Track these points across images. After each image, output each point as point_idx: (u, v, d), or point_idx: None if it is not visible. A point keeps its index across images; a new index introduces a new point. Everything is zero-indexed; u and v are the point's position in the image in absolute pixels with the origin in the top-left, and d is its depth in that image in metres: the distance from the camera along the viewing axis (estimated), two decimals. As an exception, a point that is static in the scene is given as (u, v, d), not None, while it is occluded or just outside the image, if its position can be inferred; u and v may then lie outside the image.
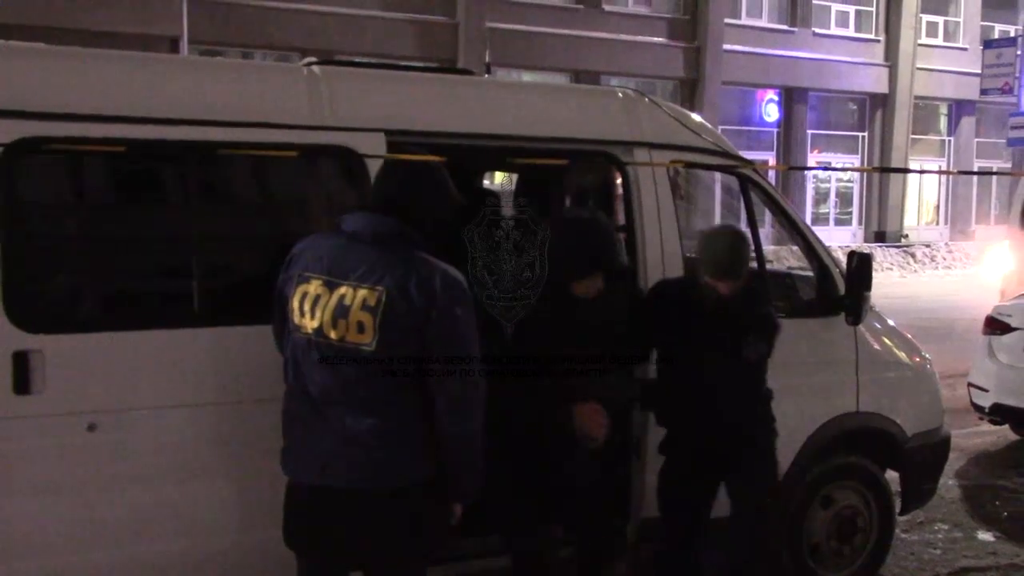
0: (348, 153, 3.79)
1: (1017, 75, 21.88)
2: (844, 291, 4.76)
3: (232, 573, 3.64)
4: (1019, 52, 22.00)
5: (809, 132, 27.62)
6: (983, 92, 23.89)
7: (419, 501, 3.08)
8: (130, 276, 3.69)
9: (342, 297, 3.01)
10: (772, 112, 26.86)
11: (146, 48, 15.18)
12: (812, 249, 4.86)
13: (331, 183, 4.04)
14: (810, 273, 4.99)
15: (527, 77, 21.25)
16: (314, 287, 3.06)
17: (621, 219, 4.57)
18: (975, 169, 29.55)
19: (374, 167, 3.72)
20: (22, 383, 3.32)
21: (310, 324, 3.04)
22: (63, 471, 3.40)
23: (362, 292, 2.99)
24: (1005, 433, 8.37)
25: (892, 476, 5.20)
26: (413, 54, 20.63)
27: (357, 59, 4.39)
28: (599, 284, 3.92)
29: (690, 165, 4.65)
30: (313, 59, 4.16)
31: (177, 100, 3.61)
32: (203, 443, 3.58)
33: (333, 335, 3.01)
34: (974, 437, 8.23)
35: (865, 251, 4.78)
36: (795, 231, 4.89)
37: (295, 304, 3.09)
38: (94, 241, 3.61)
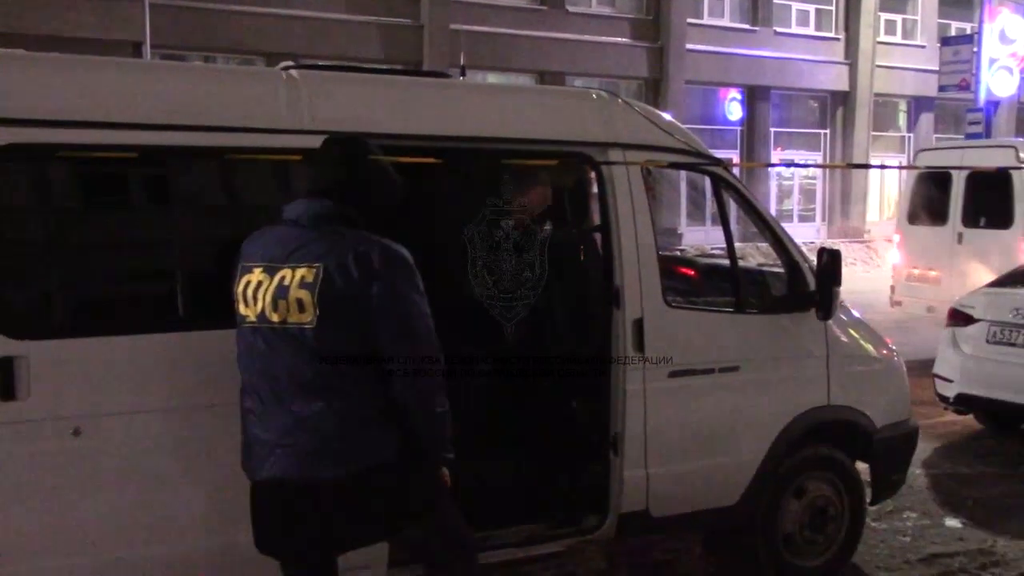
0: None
1: (974, 71, 22.16)
2: (814, 287, 4.87)
3: (219, 575, 3.66)
4: (975, 49, 22.28)
5: (772, 130, 27.85)
6: (941, 89, 24.15)
7: (385, 482, 3.06)
8: (115, 281, 3.70)
9: (282, 279, 3.01)
10: (735, 111, 27.06)
11: (108, 53, 15.05)
12: (783, 246, 4.95)
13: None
14: (780, 269, 5.09)
15: (492, 79, 21.26)
16: (256, 275, 3.07)
17: (596, 219, 4.64)
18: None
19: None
20: (7, 389, 3.33)
21: (253, 311, 3.06)
22: (49, 476, 3.41)
23: (300, 271, 2.99)
24: (970, 422, 8.54)
25: (862, 467, 5.31)
26: (377, 57, 20.58)
27: (328, 63, 4.43)
28: None
29: (663, 165, 4.73)
30: (291, 63, 4.19)
31: (156, 105, 3.63)
32: (189, 446, 3.60)
33: (275, 318, 3.01)
34: (940, 427, 8.39)
35: (835, 248, 4.88)
36: (766, 228, 4.98)
37: (239, 295, 3.10)
38: (78, 246, 3.62)
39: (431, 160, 3.96)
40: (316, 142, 3.78)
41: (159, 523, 3.57)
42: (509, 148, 4.31)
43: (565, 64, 23.24)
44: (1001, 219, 11.49)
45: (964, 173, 11.70)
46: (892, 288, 12.92)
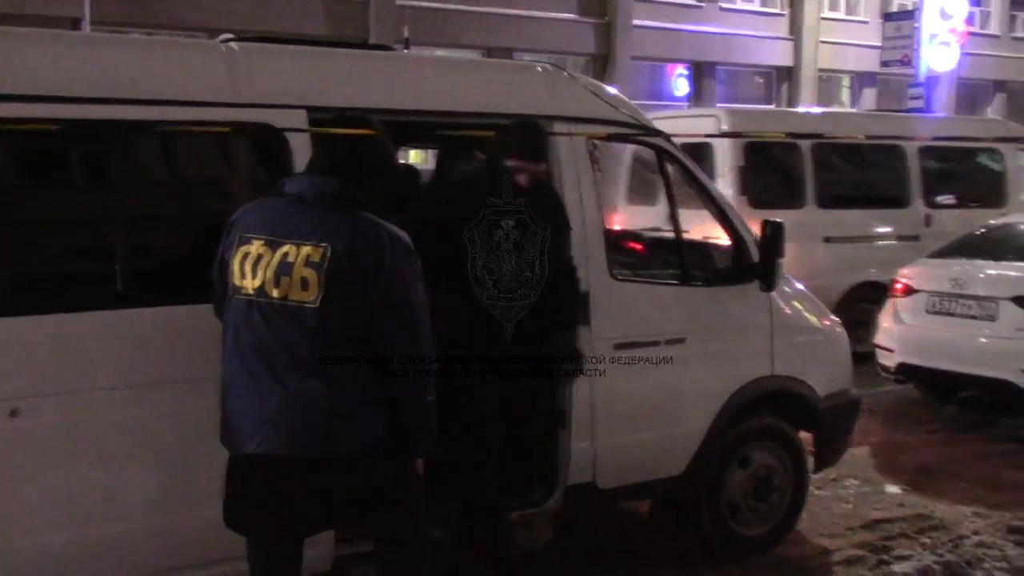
0: (269, 130, 3.78)
1: (915, 47, 22.52)
2: (758, 259, 4.92)
3: (166, 555, 3.60)
4: (917, 25, 22.64)
5: (718, 105, 28.02)
6: (884, 64, 24.54)
7: (369, 467, 3.05)
8: (50, 258, 3.61)
9: (285, 255, 2.97)
10: (682, 86, 27.18)
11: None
12: (727, 218, 4.99)
13: (252, 160, 4.03)
14: (724, 242, 5.13)
15: (439, 54, 21.12)
16: (256, 247, 3.01)
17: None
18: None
19: (296, 143, 3.73)
20: (-61, 370, 3.24)
21: (251, 284, 3.00)
22: (-13, 458, 3.33)
23: (306, 249, 2.96)
24: (910, 391, 8.71)
25: (805, 436, 5.39)
26: (323, 33, 20.30)
27: (269, 34, 4.36)
28: None
29: (606, 137, 4.73)
30: (231, 35, 4.11)
31: (91, 77, 3.54)
32: (131, 425, 3.53)
33: (275, 293, 2.97)
34: (880, 396, 8.55)
35: (778, 220, 4.93)
36: (710, 201, 5.01)
37: (235, 266, 3.04)
38: (11, 223, 3.51)
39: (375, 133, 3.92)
40: (257, 116, 3.75)
41: (104, 504, 3.50)
42: (455, 121, 4.29)
43: (513, 40, 23.16)
44: None
45: None
46: None
